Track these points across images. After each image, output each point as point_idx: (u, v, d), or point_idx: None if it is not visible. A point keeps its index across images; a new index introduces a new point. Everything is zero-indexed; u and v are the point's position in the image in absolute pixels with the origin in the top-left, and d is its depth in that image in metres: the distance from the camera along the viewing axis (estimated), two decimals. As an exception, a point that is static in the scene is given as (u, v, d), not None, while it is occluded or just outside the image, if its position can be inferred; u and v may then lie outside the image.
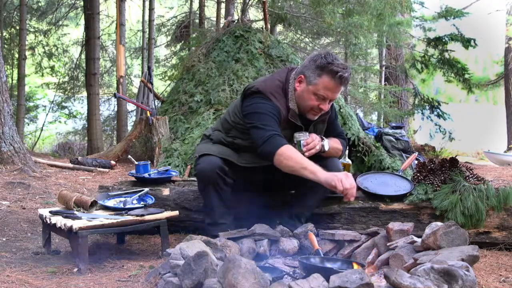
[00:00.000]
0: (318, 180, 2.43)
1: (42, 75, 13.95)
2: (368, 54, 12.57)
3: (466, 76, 11.12)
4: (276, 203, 2.96)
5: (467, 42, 10.60)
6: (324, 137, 2.80)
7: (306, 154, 2.64)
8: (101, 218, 2.58)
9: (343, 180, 2.37)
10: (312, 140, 2.69)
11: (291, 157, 2.49)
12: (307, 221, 2.81)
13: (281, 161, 2.50)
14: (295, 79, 2.69)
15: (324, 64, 2.56)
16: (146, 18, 12.60)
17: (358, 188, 3.08)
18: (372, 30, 9.13)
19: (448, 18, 10.92)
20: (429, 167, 3.10)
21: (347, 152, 3.31)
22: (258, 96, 2.65)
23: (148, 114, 6.27)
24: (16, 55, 11.89)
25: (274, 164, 2.53)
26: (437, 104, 11.32)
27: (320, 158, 2.74)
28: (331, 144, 2.82)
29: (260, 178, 2.87)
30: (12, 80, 12.61)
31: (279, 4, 9.48)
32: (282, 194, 3.00)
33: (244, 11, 8.26)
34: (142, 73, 12.28)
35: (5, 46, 12.23)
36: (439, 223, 2.28)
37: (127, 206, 2.77)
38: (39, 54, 13.66)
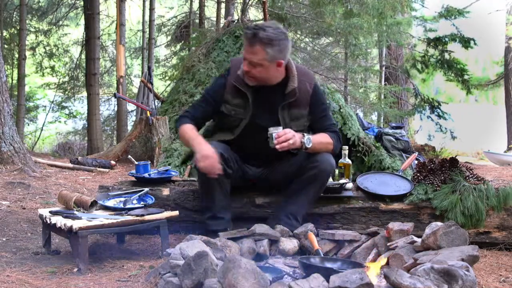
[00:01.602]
0: (195, 158, 2.66)
1: (43, 75, 13.95)
2: (368, 54, 12.57)
3: (466, 77, 11.11)
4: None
5: (466, 42, 10.59)
6: (306, 134, 2.73)
7: (278, 147, 2.61)
8: (101, 218, 2.58)
9: (199, 161, 2.59)
10: (285, 134, 2.64)
11: (184, 134, 2.77)
12: (304, 219, 2.81)
13: (180, 136, 2.85)
14: None
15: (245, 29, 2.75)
16: (146, 18, 12.60)
17: (358, 188, 3.09)
18: (373, 31, 9.12)
19: (448, 17, 10.91)
20: (429, 167, 3.10)
21: (347, 152, 3.30)
22: (225, 71, 2.94)
23: (148, 114, 6.27)
24: (16, 55, 11.89)
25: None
26: (437, 104, 11.31)
27: (311, 154, 2.74)
28: (316, 139, 2.76)
29: (253, 172, 2.89)
30: (12, 80, 12.61)
31: (279, 4, 9.48)
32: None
33: (244, 11, 8.26)
34: (142, 73, 12.27)
35: (5, 46, 12.23)
36: (439, 223, 2.28)
37: (127, 206, 2.77)
38: (40, 54, 13.66)
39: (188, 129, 2.75)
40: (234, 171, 2.78)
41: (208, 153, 2.59)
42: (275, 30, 2.65)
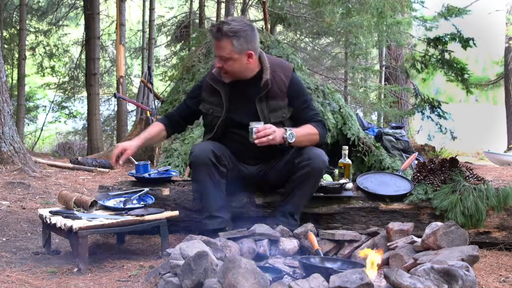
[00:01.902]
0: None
1: (43, 75, 13.95)
2: (368, 54, 12.58)
3: (465, 76, 11.10)
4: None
5: (466, 42, 10.58)
6: (288, 128, 2.71)
7: (256, 142, 2.61)
8: (101, 218, 2.57)
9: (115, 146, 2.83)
10: (264, 129, 2.63)
11: (148, 128, 3.02)
12: (304, 219, 2.81)
13: None
14: None
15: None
16: (146, 18, 12.60)
17: (358, 188, 3.09)
18: (373, 30, 9.13)
19: (448, 17, 10.90)
20: (429, 167, 3.10)
21: (347, 152, 3.30)
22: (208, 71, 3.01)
23: (148, 114, 6.27)
24: (16, 55, 11.89)
25: None
26: (437, 104, 11.31)
27: (303, 152, 2.75)
28: (300, 132, 2.73)
29: (249, 171, 2.90)
30: (12, 80, 12.61)
31: (279, 4, 9.49)
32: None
33: (244, 11, 8.26)
34: (142, 73, 12.27)
35: (5, 46, 12.23)
36: (439, 223, 2.28)
37: (127, 206, 2.77)
38: (40, 54, 13.66)
39: (152, 125, 3.04)
40: (228, 169, 2.78)
41: (122, 144, 2.86)
42: (238, 22, 2.71)
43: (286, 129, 2.70)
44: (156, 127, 2.97)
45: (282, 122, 2.80)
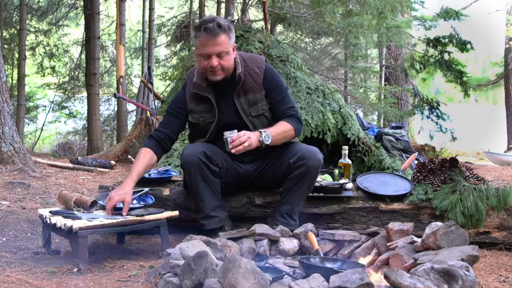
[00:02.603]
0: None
1: (43, 75, 13.95)
2: (368, 55, 12.58)
3: (464, 79, 11.11)
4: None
5: (463, 45, 10.59)
6: (263, 130, 2.71)
7: (233, 151, 2.62)
8: (101, 218, 2.57)
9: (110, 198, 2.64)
10: (238, 137, 2.62)
11: (136, 158, 2.82)
12: (304, 219, 2.81)
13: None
14: None
15: (195, 26, 2.75)
16: (146, 18, 12.60)
17: (358, 188, 3.09)
18: (373, 30, 9.12)
19: (447, 19, 10.92)
20: (429, 167, 3.10)
21: (347, 152, 3.30)
22: (184, 82, 2.99)
23: (148, 114, 6.27)
24: (16, 55, 11.89)
25: None
26: (436, 104, 11.32)
27: (297, 152, 2.76)
28: (275, 131, 2.75)
29: (245, 170, 2.90)
30: (12, 80, 12.61)
31: (279, 4, 9.48)
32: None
33: (244, 11, 8.26)
34: (142, 73, 12.28)
35: (5, 46, 12.23)
36: (439, 223, 2.28)
37: (127, 206, 2.76)
38: (40, 54, 13.66)
39: (141, 154, 2.81)
40: (221, 169, 2.78)
41: (116, 195, 2.63)
42: (222, 18, 2.79)
43: (261, 132, 2.70)
44: (146, 156, 2.80)
45: (263, 115, 2.84)
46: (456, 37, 10.70)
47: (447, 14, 10.81)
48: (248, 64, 2.85)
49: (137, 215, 2.61)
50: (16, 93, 11.06)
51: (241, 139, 2.62)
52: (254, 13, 12.81)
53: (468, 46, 10.56)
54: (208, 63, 2.70)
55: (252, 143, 2.64)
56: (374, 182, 3.13)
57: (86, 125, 11.33)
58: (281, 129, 2.79)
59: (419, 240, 2.27)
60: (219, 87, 2.83)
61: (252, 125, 2.80)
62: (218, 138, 2.81)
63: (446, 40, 10.74)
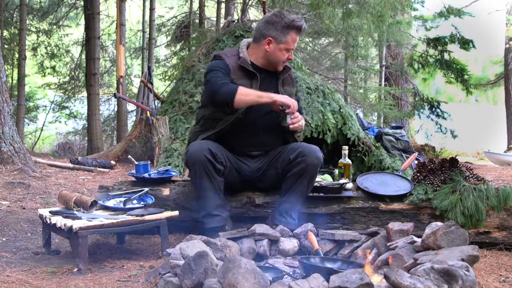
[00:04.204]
0: (275, 101, 2.76)
1: (44, 75, 13.94)
2: (368, 56, 12.57)
3: (465, 77, 11.12)
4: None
5: (465, 44, 10.59)
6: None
7: (291, 127, 2.81)
8: (101, 218, 2.58)
9: (293, 101, 2.78)
10: (297, 116, 2.81)
11: (248, 93, 2.78)
12: (302, 217, 2.81)
13: (241, 99, 2.76)
14: (251, 43, 3.01)
15: (288, 23, 2.88)
16: (146, 18, 12.60)
17: (358, 188, 3.09)
18: (372, 31, 9.11)
19: (448, 17, 10.91)
20: (429, 167, 3.10)
21: (347, 152, 3.30)
22: (213, 59, 3.02)
23: (148, 114, 6.27)
24: (16, 55, 11.89)
25: (235, 104, 2.75)
26: (436, 104, 11.32)
27: (297, 149, 2.85)
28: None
29: (249, 168, 2.92)
30: (12, 80, 12.61)
31: (279, 4, 9.47)
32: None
33: (244, 11, 8.26)
34: (142, 73, 12.27)
35: (5, 46, 12.23)
36: (439, 223, 2.28)
37: (127, 206, 2.77)
38: (41, 54, 13.66)
39: (245, 89, 2.79)
40: (226, 167, 2.79)
41: (285, 96, 2.81)
42: None
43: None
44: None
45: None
46: (458, 35, 10.69)
47: (449, 12, 10.81)
48: None
49: (137, 215, 2.61)
50: (16, 93, 11.06)
51: (299, 118, 2.82)
52: (254, 13, 12.80)
53: (471, 44, 10.57)
54: (288, 56, 2.93)
55: (303, 126, 2.88)
56: (374, 182, 3.13)
57: (86, 125, 11.32)
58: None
59: (419, 240, 2.27)
60: (263, 73, 2.96)
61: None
62: (248, 113, 2.85)
63: (448, 39, 10.74)
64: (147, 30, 12.51)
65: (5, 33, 12.14)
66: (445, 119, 11.21)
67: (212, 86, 2.81)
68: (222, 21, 10.67)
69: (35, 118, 14.40)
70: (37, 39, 13.47)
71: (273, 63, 2.96)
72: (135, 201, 2.83)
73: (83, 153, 10.70)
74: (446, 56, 11.09)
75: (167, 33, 14.25)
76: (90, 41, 10.17)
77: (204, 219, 2.76)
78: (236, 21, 7.45)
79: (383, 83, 13.29)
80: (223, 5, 11.42)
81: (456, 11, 10.76)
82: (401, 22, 9.96)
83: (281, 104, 2.77)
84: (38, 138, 13.60)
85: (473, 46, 10.63)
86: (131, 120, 12.17)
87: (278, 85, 2.98)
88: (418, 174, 3.11)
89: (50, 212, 2.71)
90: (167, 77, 13.51)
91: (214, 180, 2.73)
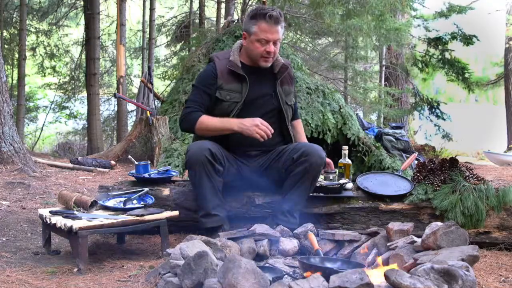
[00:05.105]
0: (235, 131, 2.75)
1: (44, 75, 13.94)
2: (367, 57, 12.57)
3: (466, 75, 11.13)
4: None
5: (468, 39, 10.61)
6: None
7: (261, 140, 2.77)
8: (101, 218, 2.57)
9: (256, 125, 2.71)
10: (262, 130, 2.77)
11: (208, 125, 2.81)
12: (303, 217, 2.81)
13: (201, 128, 2.83)
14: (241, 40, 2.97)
15: (254, 12, 2.85)
16: (146, 18, 12.60)
17: (358, 188, 3.09)
18: (372, 33, 9.10)
19: (449, 16, 10.92)
20: (429, 167, 3.10)
21: (347, 152, 3.30)
22: (208, 62, 3.03)
23: (148, 114, 6.27)
24: (16, 55, 11.89)
25: (197, 133, 2.86)
26: (436, 104, 11.33)
27: (300, 148, 2.84)
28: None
29: (249, 167, 2.92)
30: (12, 80, 12.60)
31: (279, 4, 9.48)
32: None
33: (244, 11, 8.26)
34: (142, 73, 12.27)
35: (5, 46, 12.22)
36: (439, 223, 2.28)
37: (127, 206, 2.77)
38: (41, 54, 13.65)
39: (208, 118, 2.82)
40: (225, 168, 2.79)
41: (252, 120, 2.73)
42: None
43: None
44: (209, 117, 2.88)
45: (291, 106, 3.02)
46: (460, 32, 10.71)
47: (450, 11, 10.82)
48: (281, 56, 3.02)
49: (137, 215, 2.61)
50: (16, 93, 11.06)
51: (262, 129, 2.77)
52: (254, 13, 12.79)
53: (474, 39, 10.60)
54: (265, 48, 2.82)
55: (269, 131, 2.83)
56: (374, 182, 3.13)
57: (86, 125, 11.32)
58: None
59: (419, 240, 2.27)
60: (257, 71, 2.91)
61: (286, 113, 2.97)
62: (245, 116, 2.84)
63: (449, 37, 10.76)
64: (147, 30, 12.51)
65: (5, 33, 12.13)
66: (444, 120, 11.22)
67: (182, 111, 2.93)
68: (222, 21, 10.67)
69: (35, 118, 14.41)
70: (37, 39, 13.47)
71: (253, 59, 2.89)
72: (135, 201, 2.83)
73: (83, 153, 10.70)
74: (447, 55, 11.10)
75: (167, 33, 14.25)
76: (90, 41, 10.17)
77: (203, 218, 2.77)
78: (236, 21, 7.45)
79: (383, 83, 13.29)
80: (223, 5, 11.42)
81: (457, 8, 10.77)
82: (400, 29, 9.94)
83: (246, 135, 2.74)
84: (38, 138, 13.60)
85: (477, 39, 10.66)
86: (131, 120, 12.17)
87: (276, 85, 2.94)
88: (418, 174, 3.11)
89: (50, 212, 2.71)
90: (167, 77, 13.52)
91: (213, 180, 2.73)
